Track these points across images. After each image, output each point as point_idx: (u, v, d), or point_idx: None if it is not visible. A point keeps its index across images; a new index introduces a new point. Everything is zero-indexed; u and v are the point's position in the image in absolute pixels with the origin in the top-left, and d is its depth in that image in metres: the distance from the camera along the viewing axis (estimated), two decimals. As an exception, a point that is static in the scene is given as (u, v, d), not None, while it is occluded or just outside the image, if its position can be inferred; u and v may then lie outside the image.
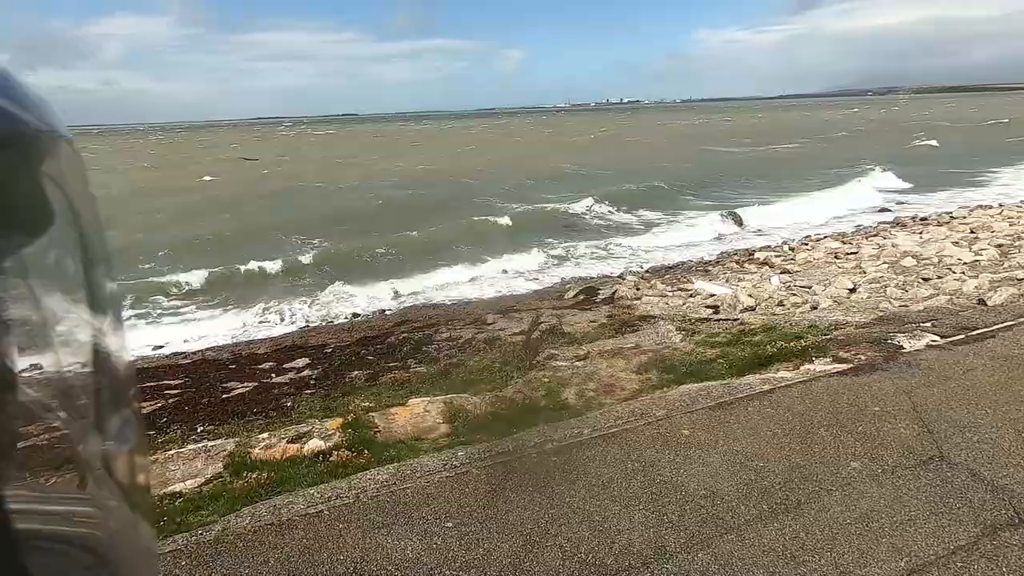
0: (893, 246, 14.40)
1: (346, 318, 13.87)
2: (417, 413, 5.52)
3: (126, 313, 13.79)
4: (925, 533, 2.97)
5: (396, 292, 15.12)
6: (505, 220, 22.36)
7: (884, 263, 12.44)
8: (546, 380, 6.19)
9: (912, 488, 3.32)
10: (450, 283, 15.89)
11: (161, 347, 11.99)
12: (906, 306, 7.91)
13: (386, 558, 2.88)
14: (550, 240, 19.52)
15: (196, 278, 16.59)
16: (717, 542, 2.97)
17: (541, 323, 8.96)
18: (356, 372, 8.21)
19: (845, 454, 3.68)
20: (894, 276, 10.64)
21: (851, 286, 10.19)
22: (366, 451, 4.51)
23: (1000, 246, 12.26)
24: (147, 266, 18.54)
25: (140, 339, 12.21)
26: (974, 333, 5.49)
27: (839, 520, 3.09)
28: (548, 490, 3.43)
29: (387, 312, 14.19)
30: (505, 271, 16.71)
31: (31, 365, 0.40)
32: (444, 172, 40.07)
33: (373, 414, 5.47)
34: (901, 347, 5.29)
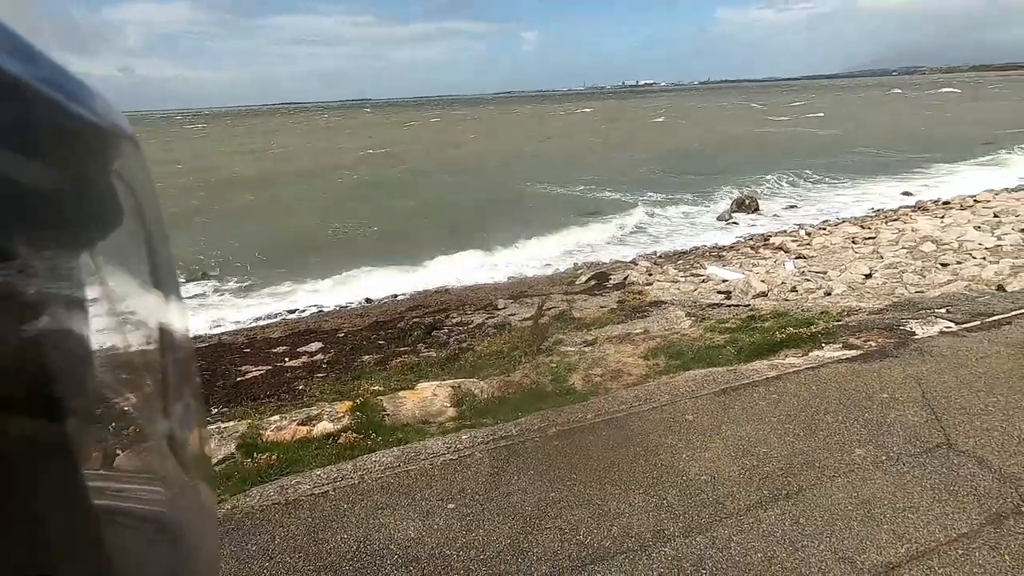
0: (913, 231, 14.08)
1: (360, 303, 14.04)
2: (425, 397, 5.58)
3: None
4: (928, 520, 2.95)
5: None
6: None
7: (903, 248, 12.18)
8: (553, 365, 6.20)
9: (917, 475, 3.30)
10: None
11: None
12: (922, 292, 7.76)
13: (388, 538, 2.95)
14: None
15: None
16: (716, 527, 2.98)
17: (550, 308, 8.95)
18: (367, 356, 8.31)
19: (850, 441, 3.66)
20: (912, 261, 10.43)
21: (867, 271, 10.01)
22: (373, 434, 4.59)
23: (1024, 230, 11.93)
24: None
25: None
26: (990, 320, 5.38)
27: (840, 506, 3.08)
28: (550, 473, 3.46)
29: (399, 297, 14.31)
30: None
31: (104, 348, 0.43)
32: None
33: (382, 398, 5.55)
34: (913, 333, 5.20)
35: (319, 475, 3.57)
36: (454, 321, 10.12)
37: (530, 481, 3.39)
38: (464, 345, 8.16)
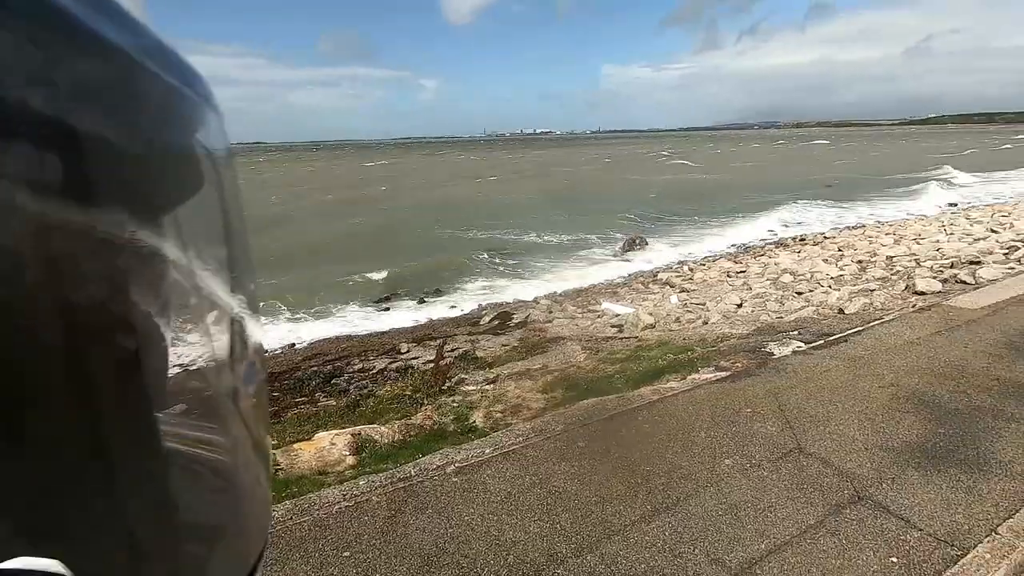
0: (775, 264, 15.88)
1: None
2: (322, 447, 5.39)
3: None
4: (783, 517, 3.34)
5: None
6: None
7: (767, 280, 13.70)
8: (455, 405, 6.25)
9: (774, 479, 3.72)
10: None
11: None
12: (781, 317, 8.78)
13: (277, 594, 2.82)
14: None
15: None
16: (605, 544, 3.17)
17: (454, 349, 9.02)
18: (259, 410, 7.83)
19: (720, 453, 4.05)
20: (774, 291, 11.77)
21: (739, 302, 11.13)
22: (264, 490, 4.35)
23: (860, 262, 13.92)
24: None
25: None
26: (831, 338, 6.23)
27: (712, 513, 3.40)
28: (448, 510, 3.50)
29: (297, 346, 13.66)
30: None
31: (178, 306, 0.44)
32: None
33: (275, 452, 5.28)
34: (771, 354, 5.89)
35: (201, 538, 3.33)
36: (355, 368, 9.85)
37: (428, 519, 3.40)
38: (365, 391, 7.97)
